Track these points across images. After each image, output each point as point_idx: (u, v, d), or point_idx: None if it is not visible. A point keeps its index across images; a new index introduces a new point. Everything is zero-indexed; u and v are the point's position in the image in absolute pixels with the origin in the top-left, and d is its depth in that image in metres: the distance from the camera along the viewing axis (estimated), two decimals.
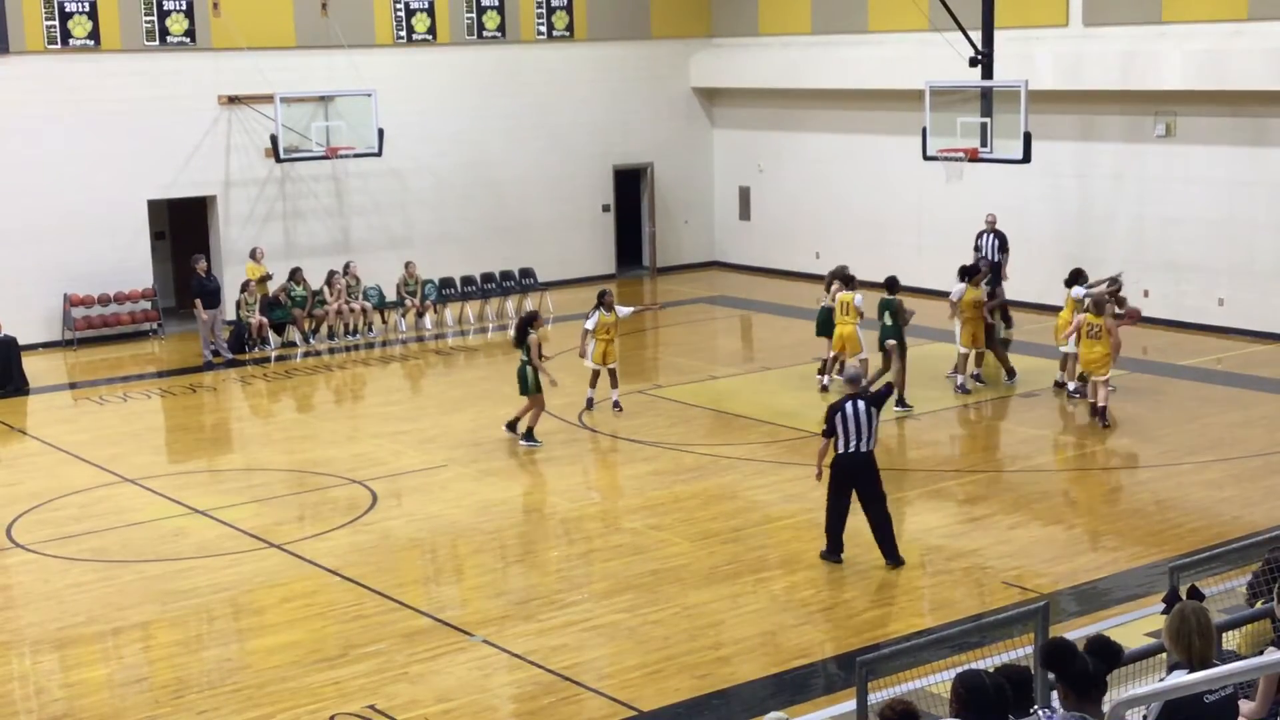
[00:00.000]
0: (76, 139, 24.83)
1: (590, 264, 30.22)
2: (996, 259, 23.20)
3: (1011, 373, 20.34)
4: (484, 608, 12.93)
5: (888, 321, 19.06)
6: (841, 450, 13.49)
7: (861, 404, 13.48)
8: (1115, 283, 19.84)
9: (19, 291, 24.32)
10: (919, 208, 27.73)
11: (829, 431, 13.52)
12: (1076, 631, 11.12)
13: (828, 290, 20.41)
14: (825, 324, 20.26)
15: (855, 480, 13.54)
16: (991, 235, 23.45)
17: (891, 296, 19.15)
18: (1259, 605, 9.01)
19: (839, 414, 13.46)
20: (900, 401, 18.70)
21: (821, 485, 13.94)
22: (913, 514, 15.30)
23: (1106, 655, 6.74)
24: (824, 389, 20.07)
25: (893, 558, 13.60)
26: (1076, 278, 19.67)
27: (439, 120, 28.09)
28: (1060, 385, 19.85)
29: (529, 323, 18.22)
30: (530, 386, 17.92)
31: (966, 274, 20.09)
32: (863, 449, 13.44)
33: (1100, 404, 18.10)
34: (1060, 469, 16.99)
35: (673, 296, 28.82)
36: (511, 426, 18.22)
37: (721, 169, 31.71)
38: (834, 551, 13.77)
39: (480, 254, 28.34)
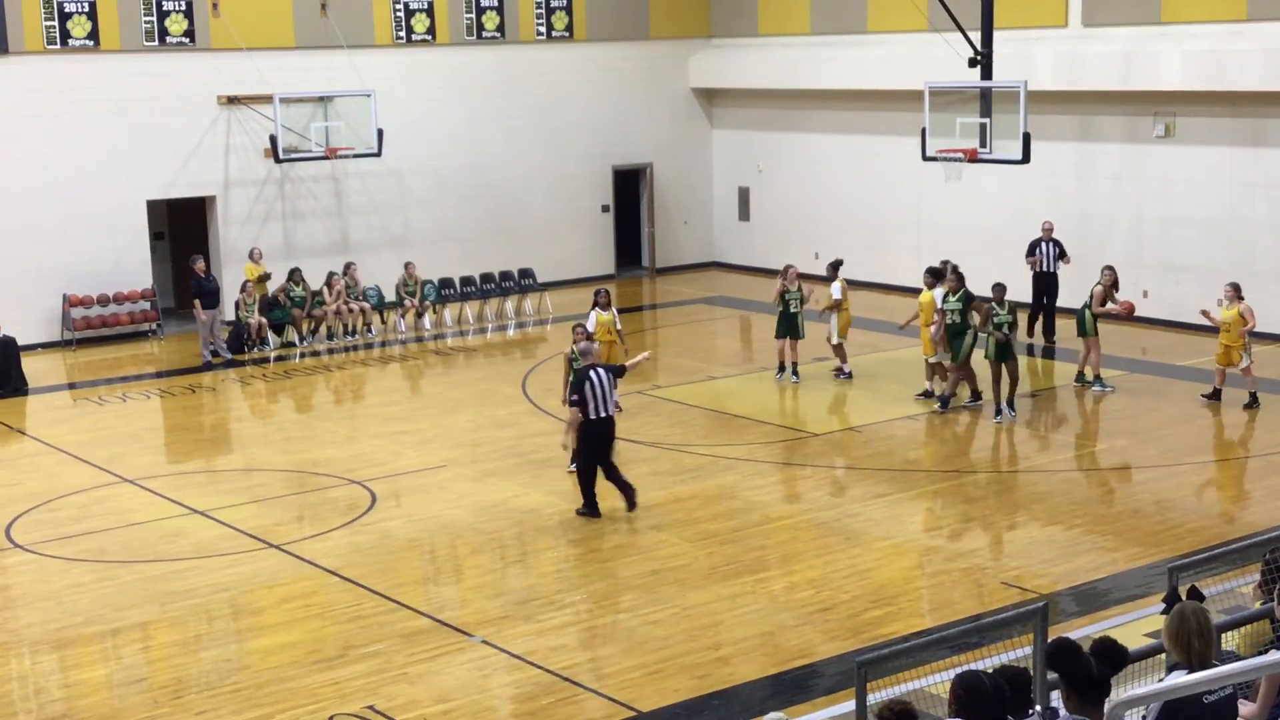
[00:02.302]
0: (76, 139, 24.83)
1: (589, 264, 30.22)
2: (1053, 269, 22.77)
3: (977, 395, 19.30)
4: (483, 608, 12.93)
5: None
6: (592, 416, 14.77)
7: (605, 373, 15.00)
8: (1109, 272, 20.13)
9: (18, 291, 24.31)
10: (918, 208, 27.73)
11: (579, 400, 14.74)
12: (1076, 632, 11.11)
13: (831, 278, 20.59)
14: (787, 325, 20.55)
15: (603, 442, 14.91)
16: (1049, 244, 22.90)
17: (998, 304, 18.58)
18: (1258, 606, 9.00)
19: (586, 383, 14.78)
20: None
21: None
22: (912, 514, 15.30)
23: (1111, 658, 6.73)
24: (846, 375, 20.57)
25: (631, 501, 15.07)
26: (938, 277, 19.47)
27: (438, 120, 28.08)
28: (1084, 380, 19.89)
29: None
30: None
31: (935, 276, 19.73)
32: (605, 414, 14.86)
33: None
34: (1060, 469, 16.98)
35: (672, 297, 28.83)
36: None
37: (721, 169, 31.70)
38: (590, 509, 15.03)
39: (479, 254, 28.34)
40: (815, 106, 29.28)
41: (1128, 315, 20.14)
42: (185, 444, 19.66)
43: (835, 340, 20.82)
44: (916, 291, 27.01)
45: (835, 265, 20.96)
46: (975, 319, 18.87)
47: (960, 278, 19.27)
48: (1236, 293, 18.84)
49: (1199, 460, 16.73)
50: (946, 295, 19.16)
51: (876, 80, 27.38)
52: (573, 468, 15.79)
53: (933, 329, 19.35)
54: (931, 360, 19.66)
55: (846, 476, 16.72)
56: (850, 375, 20.94)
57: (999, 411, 18.54)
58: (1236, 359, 18.61)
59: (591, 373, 14.94)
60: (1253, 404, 18.68)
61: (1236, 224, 23.18)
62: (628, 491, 15.20)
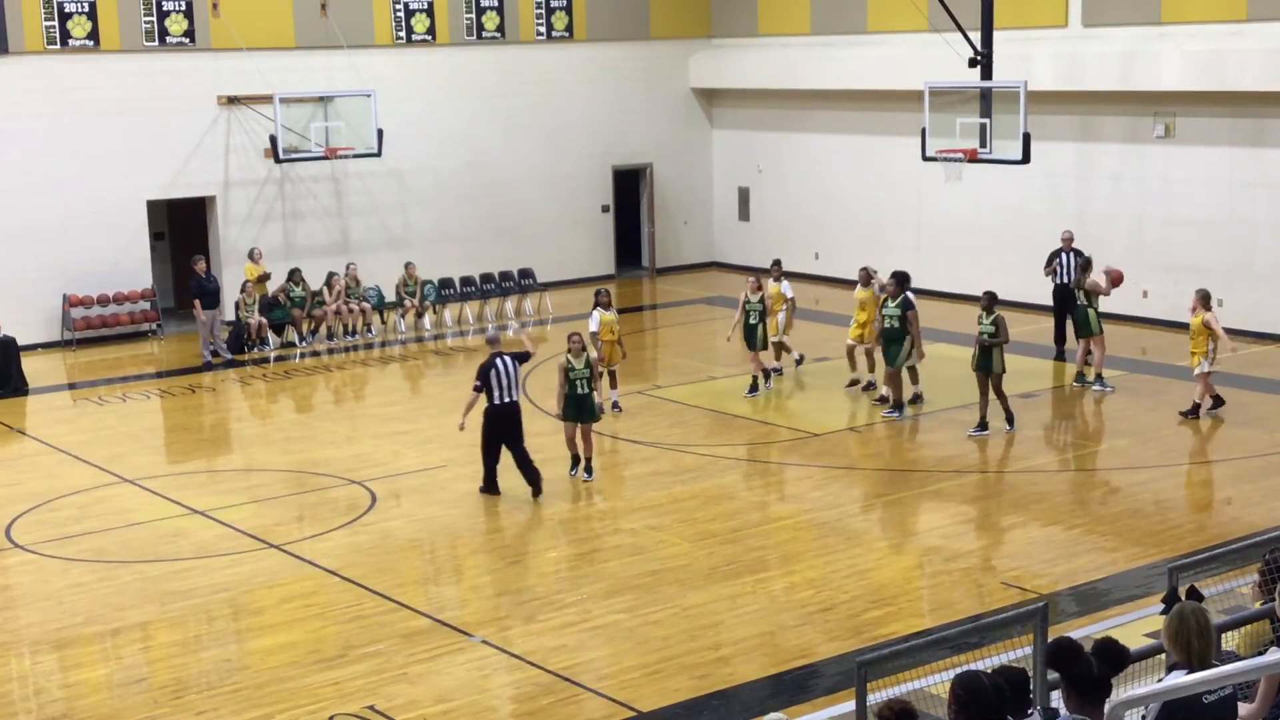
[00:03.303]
0: (76, 139, 24.83)
1: (589, 264, 30.22)
2: (1073, 280, 20.88)
3: (902, 404, 19.03)
4: (483, 608, 12.93)
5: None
6: (496, 401, 15.58)
7: (509, 360, 15.65)
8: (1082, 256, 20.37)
9: (18, 292, 24.31)
10: (918, 208, 27.73)
11: (481, 386, 15.46)
12: (1076, 632, 11.10)
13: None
14: (748, 337, 20.21)
15: (505, 426, 15.66)
16: (1068, 254, 21.42)
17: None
18: (1258, 606, 9.00)
19: (492, 370, 15.49)
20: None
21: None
22: (912, 514, 15.30)
23: (1112, 658, 6.73)
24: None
25: (537, 488, 15.70)
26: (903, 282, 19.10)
27: (438, 120, 28.08)
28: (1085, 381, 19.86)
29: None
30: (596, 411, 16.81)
31: (904, 281, 19.21)
32: (509, 400, 15.58)
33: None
34: (1060, 469, 16.98)
35: (672, 297, 28.83)
36: (587, 467, 16.68)
37: (721, 169, 31.70)
38: (490, 487, 15.86)
39: (479, 254, 28.34)
40: (815, 106, 29.28)
41: (1119, 282, 20.02)
42: (185, 444, 19.66)
43: (778, 338, 20.86)
44: (915, 292, 27.07)
45: (779, 264, 21.42)
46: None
47: (900, 283, 18.80)
48: (1204, 301, 18.41)
49: (1199, 460, 16.73)
50: (886, 300, 18.92)
51: (876, 80, 27.38)
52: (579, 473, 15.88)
53: (875, 324, 19.44)
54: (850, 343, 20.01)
55: (846, 476, 16.71)
56: (781, 372, 21.17)
57: (980, 426, 18.00)
58: (1195, 364, 18.30)
59: (498, 360, 15.67)
60: (1192, 414, 18.36)
61: (1236, 224, 23.18)
62: (534, 478, 15.80)
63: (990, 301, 18.02)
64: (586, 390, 16.32)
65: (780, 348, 21.16)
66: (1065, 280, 21.29)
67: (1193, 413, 18.44)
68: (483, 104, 28.59)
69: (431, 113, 27.94)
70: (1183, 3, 23.24)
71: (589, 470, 16.54)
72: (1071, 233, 22.04)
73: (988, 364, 17.82)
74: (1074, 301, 20.28)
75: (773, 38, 29.96)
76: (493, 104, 28.68)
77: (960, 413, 19.23)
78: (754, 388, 20.28)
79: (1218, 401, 18.62)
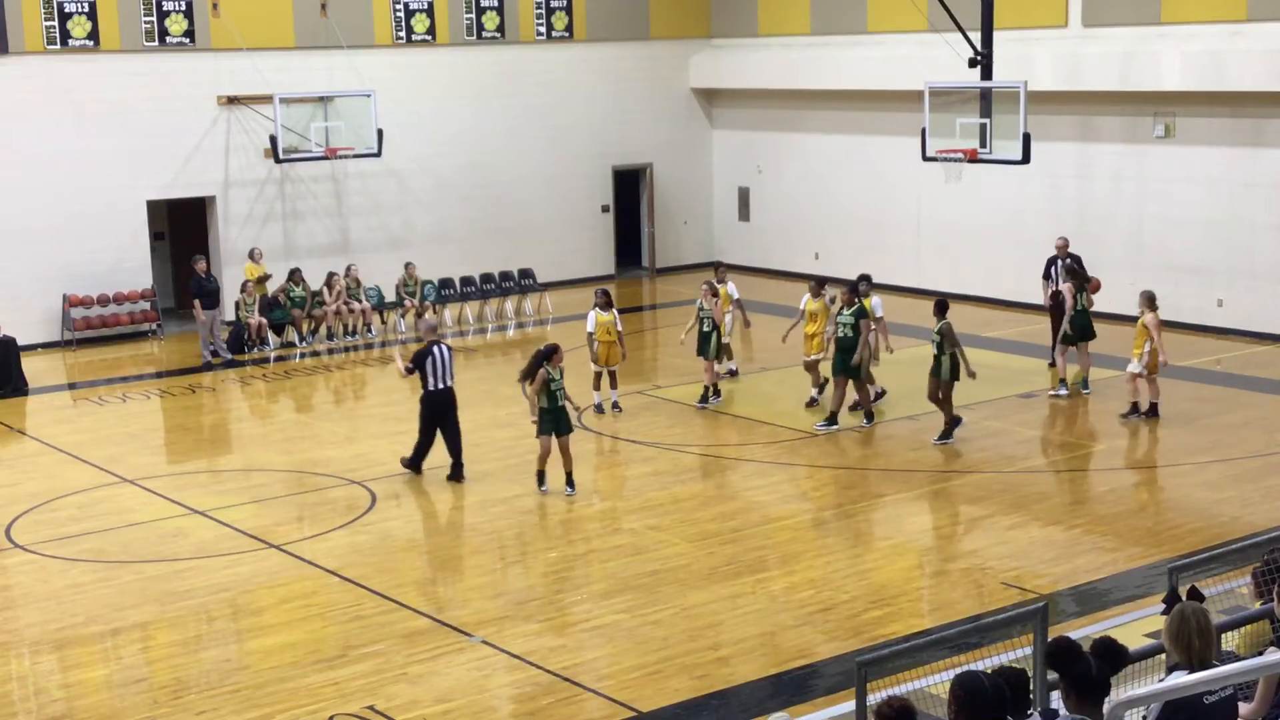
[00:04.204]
0: (76, 139, 24.83)
1: (589, 264, 30.22)
2: (1061, 290, 20.46)
3: (832, 418, 18.50)
4: (483, 608, 12.93)
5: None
6: (431, 387, 16.47)
7: (445, 349, 16.59)
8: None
9: (18, 292, 24.32)
10: (918, 209, 27.74)
11: (413, 370, 16.49)
12: (1076, 632, 11.10)
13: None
14: (701, 345, 19.70)
15: (441, 410, 16.54)
16: (1063, 262, 20.94)
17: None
18: (1257, 605, 9.00)
19: (428, 357, 16.37)
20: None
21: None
22: (913, 514, 15.30)
23: (1111, 658, 6.73)
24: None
25: (458, 475, 16.48)
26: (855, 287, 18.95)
27: (438, 120, 28.08)
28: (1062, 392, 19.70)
29: (546, 357, 15.81)
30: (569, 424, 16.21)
31: (868, 282, 19.19)
32: (444, 386, 16.48)
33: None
34: (1060, 469, 16.98)
35: (672, 297, 28.82)
36: (569, 480, 16.19)
37: (721, 170, 31.71)
38: (415, 466, 16.77)
39: (480, 254, 28.35)
40: (815, 106, 29.28)
41: (1096, 289, 20.00)
42: (185, 444, 19.66)
43: (728, 339, 20.49)
44: (915, 292, 27.09)
45: (721, 265, 21.72)
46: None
47: (853, 290, 18.45)
48: (1148, 304, 18.21)
49: (1199, 460, 16.73)
50: (841, 309, 18.43)
51: (876, 80, 27.38)
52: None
53: (826, 330, 18.90)
54: (810, 359, 19.36)
55: (846, 476, 16.71)
56: (736, 373, 21.10)
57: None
58: (1141, 360, 18.12)
59: (434, 348, 16.52)
60: (1132, 414, 18.28)
61: (1236, 224, 23.18)
62: (457, 463, 16.61)
63: (940, 310, 17.64)
64: (564, 401, 15.91)
65: (727, 350, 20.66)
66: (1057, 287, 20.80)
67: (1133, 414, 18.37)
68: (483, 104, 28.59)
69: (431, 113, 27.95)
70: (1183, 3, 23.24)
71: (570, 484, 16.00)
72: (1065, 239, 21.54)
73: (935, 370, 17.53)
74: (1063, 312, 19.74)
75: (773, 38, 29.96)
76: (493, 104, 28.68)
77: (961, 412, 19.24)
78: (704, 398, 19.71)
79: (1141, 408, 18.42)
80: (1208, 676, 5.65)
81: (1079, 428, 18.86)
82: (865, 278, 19.82)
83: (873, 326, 18.71)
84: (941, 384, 17.58)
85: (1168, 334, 23.36)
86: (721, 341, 20.02)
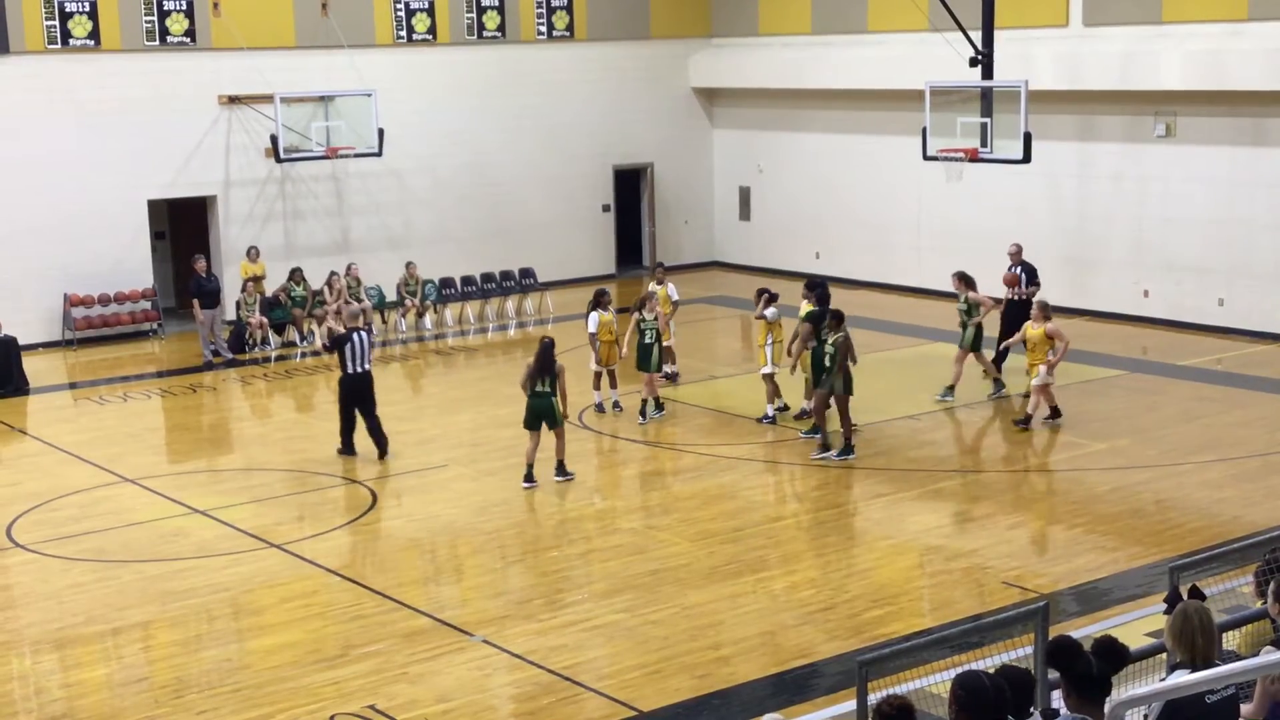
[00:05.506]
0: (76, 139, 24.82)
1: (590, 264, 30.21)
2: (1023, 297, 19.98)
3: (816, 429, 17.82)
4: (484, 608, 12.93)
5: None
6: (349, 370, 17.25)
7: (365, 335, 17.55)
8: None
9: (19, 291, 24.32)
10: (918, 208, 27.74)
11: (330, 349, 17.62)
12: (1077, 632, 11.10)
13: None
14: (643, 358, 18.98)
15: (359, 392, 17.36)
16: (1017, 268, 20.48)
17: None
18: (1258, 605, 9.00)
19: (348, 343, 17.23)
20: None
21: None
22: (913, 514, 15.29)
23: (1112, 657, 6.73)
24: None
25: (383, 451, 17.37)
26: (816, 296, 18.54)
27: (438, 120, 28.08)
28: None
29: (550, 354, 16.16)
30: (560, 417, 16.38)
31: (770, 299, 18.85)
32: (362, 369, 17.27)
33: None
34: (1060, 469, 16.98)
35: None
36: (560, 468, 16.48)
37: (721, 169, 31.71)
38: (347, 449, 17.54)
39: (480, 254, 28.35)
40: (815, 106, 29.28)
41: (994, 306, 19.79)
42: (186, 444, 19.66)
43: (667, 341, 20.08)
44: (916, 292, 27.10)
45: (662, 266, 22.14)
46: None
47: (839, 319, 17.28)
48: (1044, 312, 18.02)
49: (1199, 460, 16.73)
50: (827, 336, 17.36)
51: (877, 80, 27.38)
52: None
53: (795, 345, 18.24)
54: (767, 372, 18.82)
55: (847, 476, 16.71)
56: (677, 376, 20.89)
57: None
58: (1034, 374, 17.98)
59: (355, 335, 17.37)
60: (1025, 424, 17.99)
61: (1236, 224, 23.18)
62: (381, 442, 17.43)
63: (836, 320, 17.15)
64: (552, 398, 16.03)
65: (670, 353, 20.42)
66: (1017, 296, 20.14)
67: (1025, 423, 18.06)
68: (483, 104, 28.58)
69: (432, 112, 27.94)
70: (1183, 2, 23.23)
71: (562, 471, 16.23)
72: (1019, 245, 20.93)
73: (835, 383, 16.98)
74: (1019, 320, 19.03)
75: (773, 37, 29.96)
76: (493, 104, 28.67)
77: (961, 412, 19.25)
78: (643, 411, 18.97)
79: (1055, 412, 18.21)
80: (1208, 676, 5.64)
81: (1079, 428, 18.84)
82: (836, 313, 17.67)
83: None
84: (838, 397, 17.00)
85: (1168, 333, 23.43)
86: (663, 346, 19.48)
